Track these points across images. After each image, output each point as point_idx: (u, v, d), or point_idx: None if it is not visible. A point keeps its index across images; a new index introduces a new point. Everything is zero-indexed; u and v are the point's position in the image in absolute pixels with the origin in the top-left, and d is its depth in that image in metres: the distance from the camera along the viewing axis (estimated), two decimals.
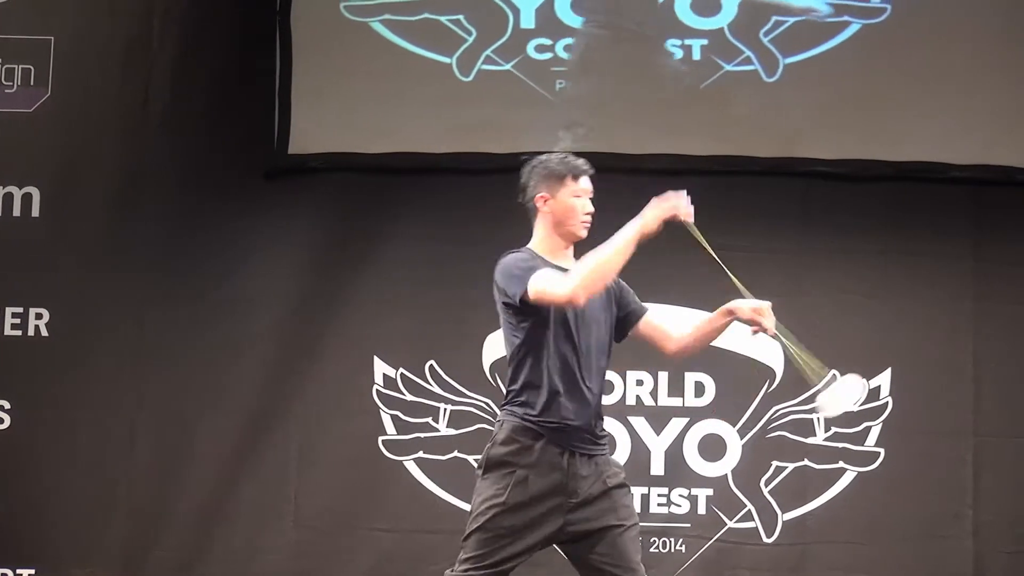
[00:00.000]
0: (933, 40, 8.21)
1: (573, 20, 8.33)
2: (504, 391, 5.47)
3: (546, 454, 5.27)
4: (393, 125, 8.30)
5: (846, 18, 8.24)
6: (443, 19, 8.37)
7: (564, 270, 5.31)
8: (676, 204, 5.34)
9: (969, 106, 8.14)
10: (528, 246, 5.48)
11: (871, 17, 8.23)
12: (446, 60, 8.36)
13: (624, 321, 5.56)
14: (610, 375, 8.06)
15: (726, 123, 8.21)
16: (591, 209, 5.47)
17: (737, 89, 8.26)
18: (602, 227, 8.06)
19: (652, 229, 5.27)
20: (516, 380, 5.40)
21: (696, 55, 8.29)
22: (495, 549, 5.34)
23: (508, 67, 8.33)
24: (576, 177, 5.45)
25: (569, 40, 8.30)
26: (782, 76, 8.25)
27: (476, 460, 8.03)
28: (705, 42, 8.28)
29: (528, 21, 8.35)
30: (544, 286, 5.17)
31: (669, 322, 5.68)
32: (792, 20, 8.25)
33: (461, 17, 8.36)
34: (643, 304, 5.62)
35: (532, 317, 5.30)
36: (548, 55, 8.33)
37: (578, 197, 5.44)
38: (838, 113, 8.19)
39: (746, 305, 5.54)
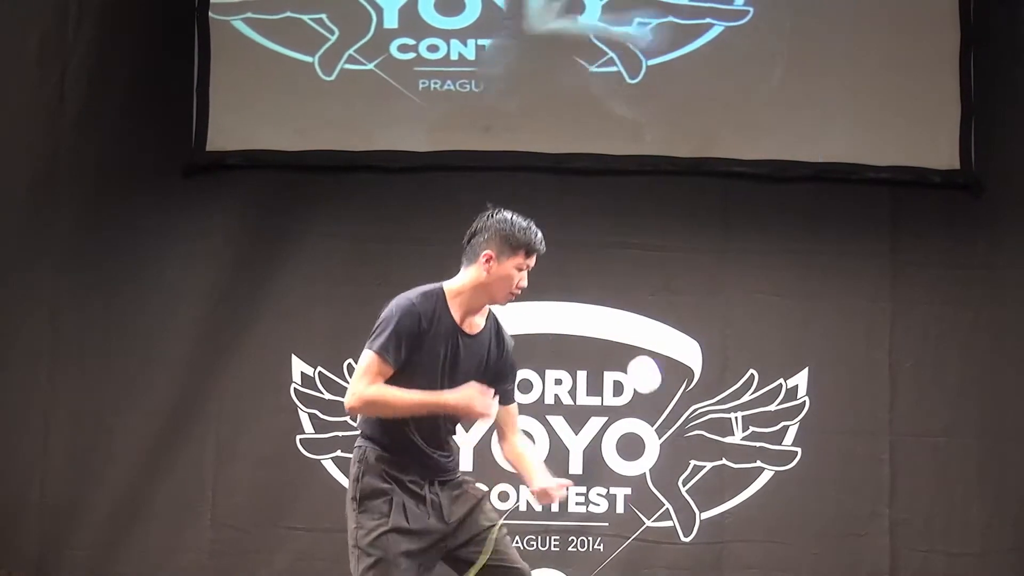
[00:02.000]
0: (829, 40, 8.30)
1: (436, 20, 8.33)
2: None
3: (414, 479, 5.41)
4: (308, 123, 8.29)
5: (708, 20, 8.29)
6: (306, 18, 8.35)
7: (466, 335, 5.43)
8: (474, 404, 5.34)
9: (885, 109, 8.21)
10: (445, 285, 5.49)
11: (734, 19, 8.29)
12: (308, 59, 8.35)
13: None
14: (528, 374, 8.11)
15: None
16: (525, 284, 5.46)
17: (600, 90, 8.29)
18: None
19: (447, 410, 5.36)
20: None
21: None
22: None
23: (371, 67, 8.31)
24: (529, 254, 5.43)
25: (433, 40, 8.30)
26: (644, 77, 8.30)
27: None
28: None
29: (391, 21, 8.34)
30: (358, 371, 5.40)
31: (514, 426, 5.80)
32: (655, 21, 8.28)
33: (324, 16, 8.34)
34: (512, 394, 5.72)
35: None
36: (411, 55, 8.32)
37: (519, 270, 5.43)
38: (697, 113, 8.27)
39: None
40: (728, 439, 8.17)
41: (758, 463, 8.15)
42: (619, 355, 8.18)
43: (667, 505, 8.10)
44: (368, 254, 8.26)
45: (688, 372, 8.16)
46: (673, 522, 8.10)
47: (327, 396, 8.19)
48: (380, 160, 8.30)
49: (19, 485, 8.16)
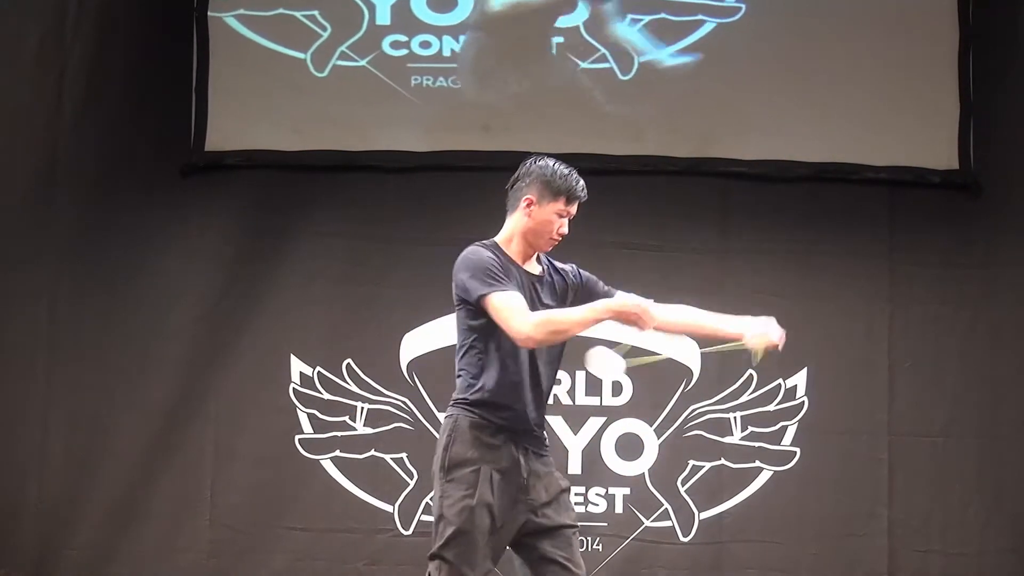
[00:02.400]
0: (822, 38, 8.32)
1: (429, 17, 8.33)
2: (456, 386, 5.36)
3: (507, 451, 5.25)
4: (304, 121, 8.31)
5: (700, 16, 8.31)
6: (298, 14, 8.34)
7: (531, 274, 5.33)
8: (644, 317, 5.18)
9: (883, 109, 8.22)
10: (496, 239, 5.39)
11: (726, 16, 8.30)
12: (300, 55, 8.34)
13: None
14: None
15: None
16: (565, 231, 5.37)
17: (592, 86, 8.30)
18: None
19: (615, 317, 5.20)
20: (467, 376, 5.31)
21: (553, 52, 8.32)
22: (472, 549, 5.21)
23: (363, 63, 8.32)
24: (570, 200, 5.35)
25: (425, 36, 8.31)
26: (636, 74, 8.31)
27: (393, 459, 8.13)
28: (561, 40, 8.32)
29: (384, 17, 8.34)
30: (506, 312, 5.14)
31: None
32: (648, 18, 8.30)
33: (316, 13, 8.34)
34: (611, 291, 5.48)
35: (486, 317, 5.23)
36: (403, 51, 8.32)
37: (560, 216, 5.35)
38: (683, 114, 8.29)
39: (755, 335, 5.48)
40: (727, 439, 8.17)
41: (757, 463, 8.16)
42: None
43: (666, 505, 8.11)
44: (366, 254, 8.27)
45: (687, 372, 8.16)
46: (672, 522, 8.10)
47: (326, 396, 8.19)
48: (378, 160, 8.30)
49: (17, 485, 8.15)
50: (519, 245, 5.37)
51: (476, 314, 5.25)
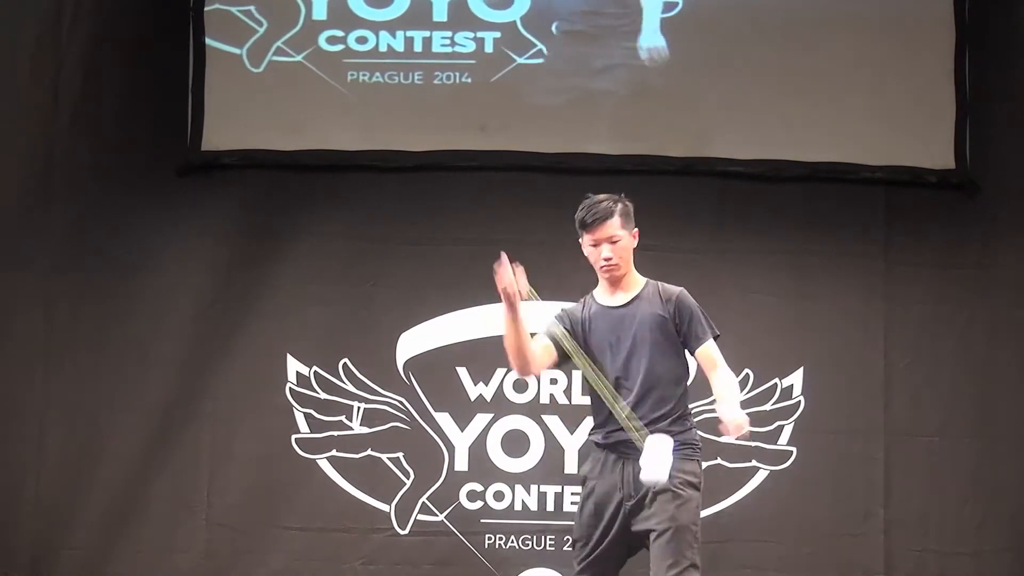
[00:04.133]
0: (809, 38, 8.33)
1: (365, 12, 8.35)
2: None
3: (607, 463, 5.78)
4: (301, 123, 8.31)
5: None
6: (234, 10, 8.36)
7: (616, 308, 5.82)
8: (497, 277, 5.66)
9: (880, 108, 8.22)
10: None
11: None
12: (236, 51, 8.36)
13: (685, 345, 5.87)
14: None
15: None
16: (609, 255, 5.75)
17: (528, 81, 8.31)
18: (527, 223, 8.20)
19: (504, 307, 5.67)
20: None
21: (488, 48, 8.33)
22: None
23: (299, 59, 8.33)
24: (584, 229, 5.82)
25: (362, 32, 8.33)
26: None
27: (389, 459, 8.14)
28: (498, 35, 8.33)
29: (320, 13, 8.36)
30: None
31: (710, 367, 5.88)
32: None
33: (252, 8, 8.35)
34: (701, 338, 5.82)
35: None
36: (340, 47, 8.33)
37: (594, 247, 5.80)
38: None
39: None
40: (723, 438, 8.10)
41: (753, 463, 8.17)
42: None
43: None
44: (363, 253, 8.27)
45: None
46: None
47: (322, 396, 8.20)
48: (374, 160, 8.31)
49: (14, 485, 8.15)
50: (600, 282, 5.89)
51: None
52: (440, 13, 8.37)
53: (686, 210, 8.28)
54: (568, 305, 5.96)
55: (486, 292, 8.12)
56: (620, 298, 5.84)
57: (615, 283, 5.85)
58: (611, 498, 5.74)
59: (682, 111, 8.27)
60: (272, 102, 8.33)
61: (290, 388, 8.21)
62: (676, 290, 5.87)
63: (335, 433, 8.19)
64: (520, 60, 8.31)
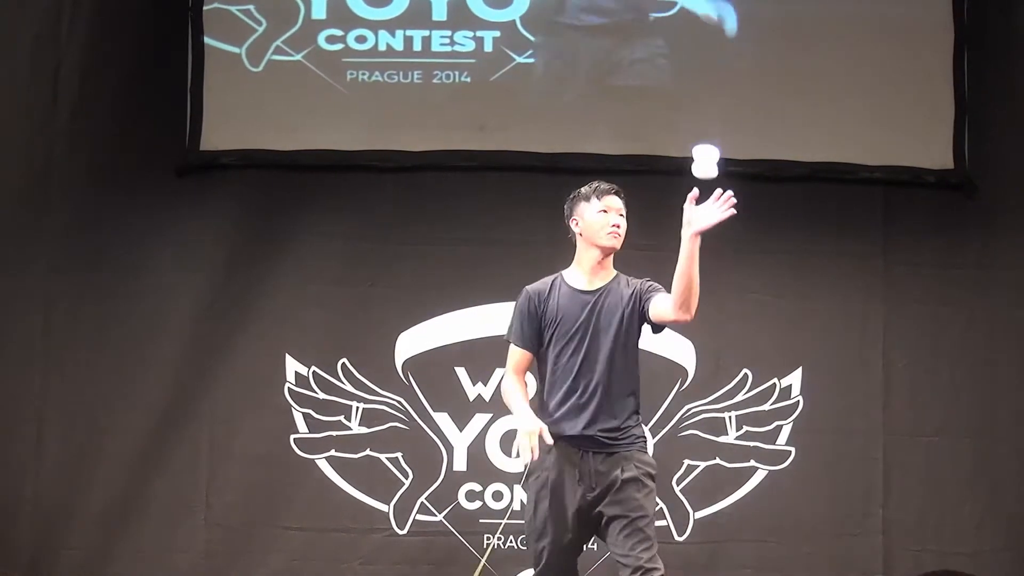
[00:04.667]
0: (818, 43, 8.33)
1: (365, 11, 8.36)
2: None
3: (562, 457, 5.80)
4: (300, 122, 8.31)
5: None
6: (233, 9, 8.36)
7: (588, 292, 5.89)
8: (521, 449, 5.73)
9: (878, 109, 8.23)
10: (564, 270, 6.01)
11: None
12: (235, 50, 8.36)
13: (643, 317, 5.89)
14: None
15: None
16: (617, 222, 5.87)
17: (527, 81, 8.32)
18: (526, 223, 8.20)
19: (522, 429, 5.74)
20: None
21: (488, 47, 8.34)
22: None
23: (298, 58, 8.33)
24: (600, 196, 5.93)
25: (361, 31, 8.33)
26: None
27: (388, 459, 8.14)
28: (497, 34, 8.34)
29: (320, 12, 8.37)
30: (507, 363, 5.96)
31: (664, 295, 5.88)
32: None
33: (251, 7, 8.35)
34: (656, 289, 5.92)
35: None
36: (339, 46, 8.34)
37: (603, 212, 5.91)
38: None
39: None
40: (722, 439, 8.18)
41: (752, 463, 8.17)
42: None
43: (661, 504, 8.08)
44: (361, 254, 8.27)
45: (682, 372, 8.17)
46: (667, 521, 8.10)
47: (321, 396, 8.20)
48: (374, 160, 8.31)
49: (12, 485, 8.15)
50: (578, 265, 5.98)
51: None
52: (439, 12, 8.38)
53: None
54: (534, 285, 5.98)
55: (485, 292, 8.21)
56: (594, 283, 5.92)
57: (601, 263, 5.92)
58: (569, 488, 5.77)
59: (681, 111, 8.27)
60: (271, 101, 8.33)
61: (289, 388, 8.21)
62: (643, 280, 5.97)
63: (334, 433, 8.19)
64: (519, 59, 8.32)
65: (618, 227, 5.90)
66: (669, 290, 5.77)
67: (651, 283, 5.93)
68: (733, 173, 8.16)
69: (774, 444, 8.16)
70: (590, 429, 5.77)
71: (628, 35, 8.34)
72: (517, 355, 5.94)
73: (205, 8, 8.34)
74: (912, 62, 8.24)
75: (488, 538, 8.10)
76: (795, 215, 8.30)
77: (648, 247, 8.09)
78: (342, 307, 8.25)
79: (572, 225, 5.98)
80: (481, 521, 8.13)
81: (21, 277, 8.24)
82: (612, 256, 5.95)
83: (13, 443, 8.17)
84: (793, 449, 8.17)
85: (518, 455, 5.72)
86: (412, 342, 8.22)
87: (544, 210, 8.20)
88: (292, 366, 8.22)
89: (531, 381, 5.96)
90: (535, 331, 5.89)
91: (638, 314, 5.86)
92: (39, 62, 8.32)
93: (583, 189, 5.98)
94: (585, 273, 5.94)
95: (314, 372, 8.21)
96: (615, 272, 5.97)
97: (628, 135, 8.25)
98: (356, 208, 8.28)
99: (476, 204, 8.30)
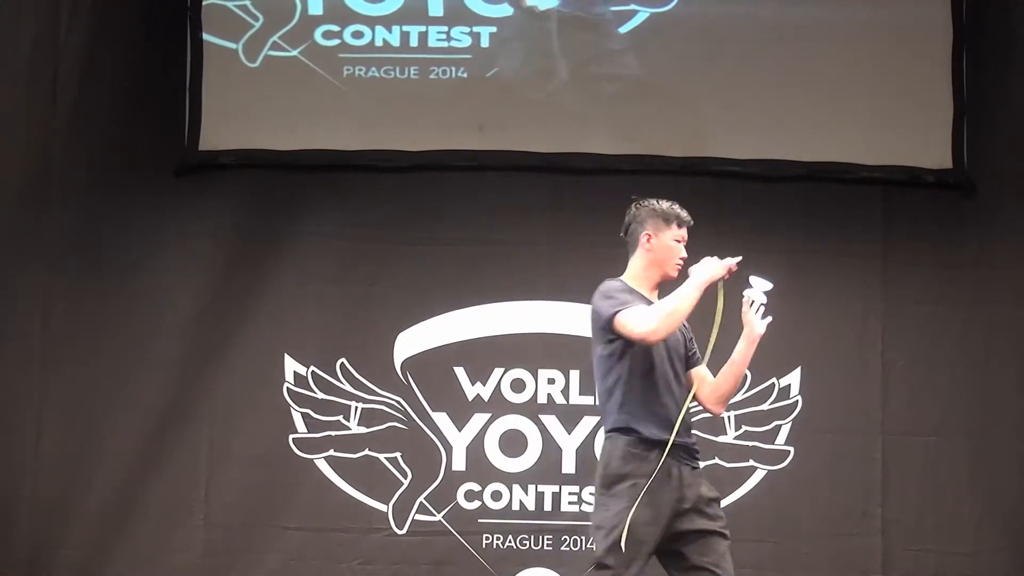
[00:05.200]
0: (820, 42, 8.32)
1: (361, 7, 8.37)
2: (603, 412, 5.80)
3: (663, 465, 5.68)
4: (297, 119, 8.32)
5: (632, 6, 8.35)
6: (230, 4, 8.36)
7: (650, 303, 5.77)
8: (717, 267, 5.76)
9: (877, 108, 8.23)
10: (622, 277, 5.88)
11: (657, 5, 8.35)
12: (232, 46, 8.36)
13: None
14: (521, 373, 8.13)
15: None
16: (685, 255, 5.83)
17: (523, 77, 8.33)
18: (525, 223, 8.20)
19: (714, 279, 5.73)
20: (614, 401, 5.74)
21: (484, 43, 8.35)
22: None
23: (295, 53, 8.33)
24: (680, 225, 5.88)
25: (358, 27, 8.34)
26: None
27: (387, 458, 8.14)
28: (494, 29, 8.35)
29: (316, 7, 8.37)
30: (628, 321, 5.61)
31: (707, 378, 5.96)
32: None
33: (247, 3, 8.36)
34: (696, 359, 5.95)
35: (621, 340, 5.69)
36: (336, 42, 8.34)
37: (677, 242, 5.87)
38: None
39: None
40: (720, 438, 8.18)
41: (751, 462, 8.17)
42: None
43: None
44: (360, 253, 8.27)
45: None
46: None
47: (320, 395, 8.20)
48: (372, 160, 8.30)
49: (11, 485, 8.14)
50: (643, 278, 5.87)
51: (611, 338, 5.70)
52: (436, 8, 8.38)
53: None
54: (616, 285, 5.81)
55: (484, 292, 8.22)
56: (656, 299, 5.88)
57: (663, 281, 5.89)
58: (666, 501, 5.68)
59: (680, 111, 8.27)
60: (267, 97, 8.33)
61: (288, 388, 8.21)
62: None
63: (333, 433, 8.19)
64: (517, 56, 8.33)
65: (683, 260, 5.86)
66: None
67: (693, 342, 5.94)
68: (732, 173, 8.27)
69: (773, 444, 8.16)
70: (681, 439, 5.74)
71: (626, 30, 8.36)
72: (644, 309, 5.67)
73: (204, 3, 8.33)
74: (911, 62, 8.24)
75: (487, 538, 8.11)
76: (794, 215, 8.29)
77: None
78: (341, 307, 8.25)
79: (642, 236, 5.87)
80: (480, 521, 8.13)
81: (19, 277, 8.23)
82: None
83: (12, 443, 8.17)
84: (792, 449, 8.17)
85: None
86: (411, 342, 8.22)
87: (543, 210, 8.25)
88: (291, 366, 8.22)
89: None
90: None
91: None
92: (38, 62, 8.32)
93: (663, 206, 5.87)
94: (647, 289, 5.86)
95: (313, 372, 8.21)
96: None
97: (627, 135, 8.24)
98: (355, 208, 8.28)
99: (475, 204, 8.30)
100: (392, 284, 8.27)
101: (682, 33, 8.31)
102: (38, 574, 8.09)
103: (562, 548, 8.10)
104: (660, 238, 5.84)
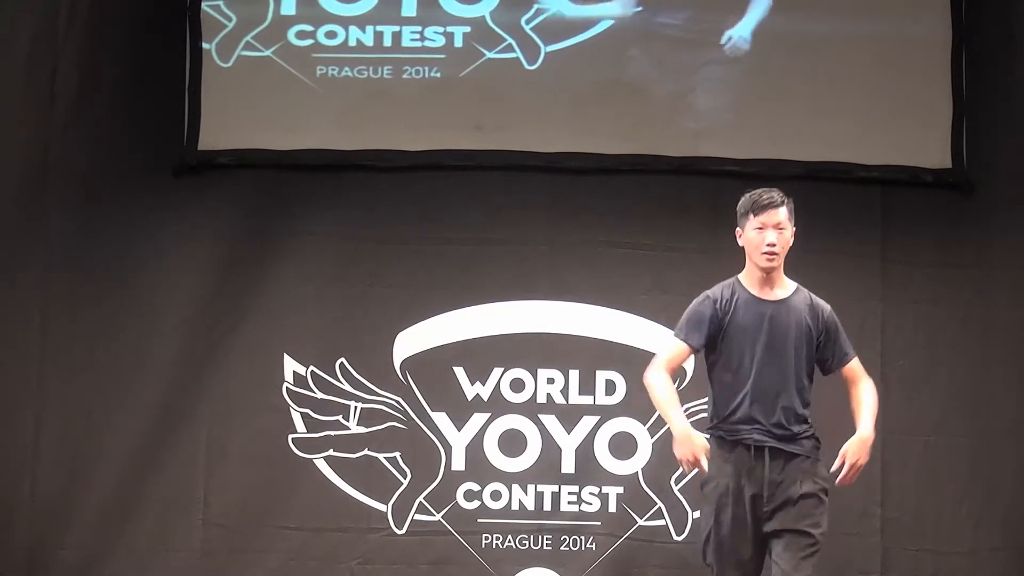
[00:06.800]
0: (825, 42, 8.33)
1: (334, 7, 8.37)
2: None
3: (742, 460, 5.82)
4: (299, 121, 8.31)
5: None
6: (204, 5, 8.37)
7: (767, 302, 5.90)
8: (685, 464, 5.82)
9: (876, 108, 8.23)
10: (739, 275, 5.99)
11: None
12: (205, 46, 8.38)
13: (820, 363, 6.05)
14: (520, 373, 8.13)
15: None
16: (773, 240, 5.84)
17: (498, 76, 8.33)
18: (524, 223, 8.20)
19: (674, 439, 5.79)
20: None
21: (458, 42, 8.35)
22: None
23: (268, 53, 8.33)
24: (756, 212, 5.88)
25: (331, 27, 8.35)
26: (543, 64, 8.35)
27: (386, 458, 8.13)
28: (467, 29, 8.34)
29: (289, 8, 8.38)
30: (658, 352, 6.04)
31: (855, 379, 6.13)
32: (555, 8, 8.36)
33: (220, 3, 8.36)
34: (849, 354, 6.10)
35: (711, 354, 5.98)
36: (309, 41, 8.34)
37: (759, 230, 5.88)
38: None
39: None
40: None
41: None
42: (611, 354, 8.19)
43: (659, 504, 8.11)
44: (360, 253, 8.27)
45: (680, 371, 8.13)
46: (665, 521, 8.11)
47: (319, 395, 8.19)
48: (371, 160, 8.30)
49: (9, 485, 8.13)
50: (751, 274, 5.94)
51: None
52: (409, 8, 8.39)
53: (682, 209, 8.28)
54: (714, 290, 5.97)
55: (483, 292, 8.22)
56: (772, 294, 5.93)
57: (768, 276, 5.90)
58: (745, 496, 5.76)
59: (678, 111, 8.27)
60: (239, 97, 8.33)
61: (287, 388, 8.21)
62: (827, 306, 6.04)
63: (332, 433, 8.19)
64: (489, 55, 8.32)
65: (773, 246, 5.84)
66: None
67: (834, 326, 6.03)
68: (732, 173, 8.26)
69: None
70: (769, 435, 5.79)
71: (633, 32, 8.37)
72: (679, 351, 5.93)
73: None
74: (910, 62, 8.25)
75: (487, 538, 8.11)
76: (794, 214, 8.28)
77: (648, 247, 8.14)
78: (340, 307, 8.25)
79: (737, 237, 5.97)
80: (479, 521, 8.13)
81: (18, 277, 8.22)
82: (781, 268, 5.98)
83: (10, 442, 8.15)
84: None
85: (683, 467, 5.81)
86: (410, 342, 8.22)
87: (542, 210, 8.25)
88: (290, 366, 8.22)
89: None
90: (714, 332, 5.87)
91: (817, 354, 5.99)
92: (36, 62, 8.31)
93: (743, 200, 5.94)
94: (755, 286, 5.92)
95: (312, 372, 8.21)
96: (794, 284, 6.02)
97: (627, 135, 8.24)
98: (354, 208, 8.28)
99: (474, 204, 8.30)
100: (391, 284, 8.27)
101: (682, 36, 8.32)
102: (37, 574, 8.08)
103: (561, 548, 8.10)
104: (744, 232, 5.91)
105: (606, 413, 8.20)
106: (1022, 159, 8.26)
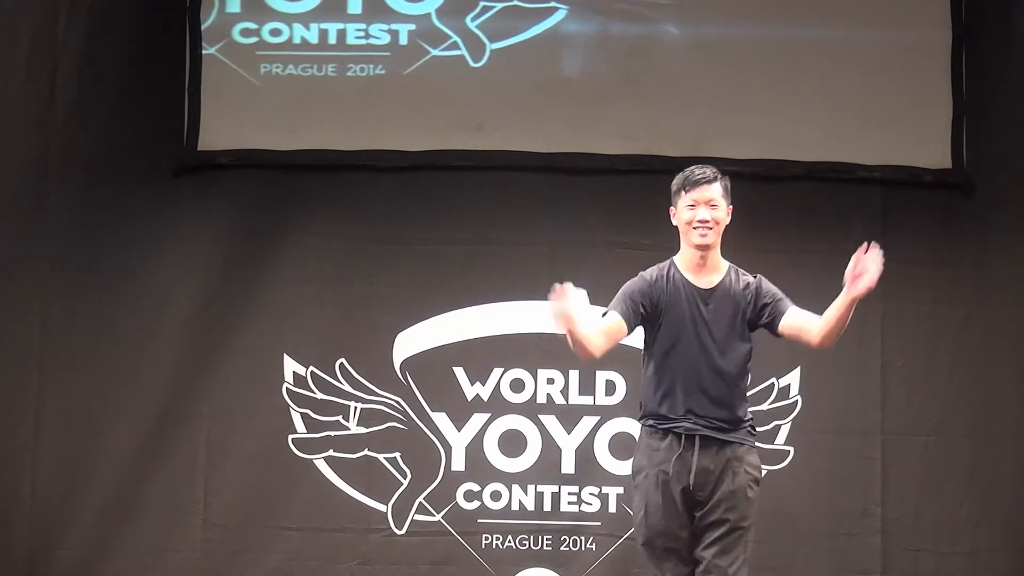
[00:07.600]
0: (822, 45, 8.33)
1: (279, 4, 8.39)
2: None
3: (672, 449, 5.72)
4: (299, 122, 8.31)
5: (552, 3, 8.37)
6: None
7: (702, 290, 5.79)
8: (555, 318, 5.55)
9: (876, 108, 8.23)
10: (674, 257, 5.88)
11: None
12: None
13: (757, 322, 5.87)
14: (521, 373, 8.13)
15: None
16: (705, 217, 5.73)
17: (441, 74, 8.33)
18: (524, 223, 8.20)
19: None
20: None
21: (403, 40, 8.35)
22: None
23: (212, 51, 8.34)
24: (688, 188, 5.76)
25: (275, 24, 8.36)
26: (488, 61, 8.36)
27: (386, 459, 8.13)
28: (413, 27, 8.36)
29: (234, 5, 8.40)
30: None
31: (806, 322, 5.86)
32: (500, 6, 8.35)
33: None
34: (783, 304, 5.89)
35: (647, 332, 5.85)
36: (253, 39, 8.35)
37: (691, 207, 5.76)
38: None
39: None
40: None
41: None
42: (611, 354, 8.16)
43: None
44: (359, 253, 8.28)
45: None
46: None
47: (319, 396, 8.19)
48: (371, 160, 8.30)
49: (9, 485, 8.14)
50: (685, 255, 5.84)
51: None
52: (355, 6, 8.41)
53: None
54: (649, 271, 5.88)
55: (483, 292, 8.21)
56: (706, 280, 5.82)
57: (703, 258, 5.80)
58: (678, 486, 5.68)
59: (679, 111, 8.27)
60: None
61: (287, 388, 8.21)
62: (754, 279, 5.91)
63: (332, 433, 8.19)
64: (435, 52, 8.32)
65: (706, 222, 5.74)
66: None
67: (772, 290, 5.87)
68: (731, 172, 8.24)
69: (772, 444, 8.15)
70: (699, 421, 5.71)
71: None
72: (606, 324, 5.73)
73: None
74: (910, 62, 8.25)
75: (486, 538, 8.11)
76: (793, 215, 8.30)
77: (648, 247, 8.12)
78: (340, 307, 8.25)
79: (672, 216, 5.85)
80: (479, 521, 8.13)
81: (18, 277, 8.22)
82: (717, 249, 5.85)
83: (9, 443, 8.16)
84: (791, 448, 8.17)
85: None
86: (410, 342, 8.22)
87: (542, 210, 8.25)
88: (290, 366, 8.22)
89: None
90: (648, 312, 5.76)
91: (753, 319, 5.82)
92: (36, 62, 8.31)
93: (676, 178, 5.82)
94: (690, 270, 5.82)
95: (312, 372, 8.21)
96: (726, 264, 5.90)
97: (628, 135, 8.24)
98: (354, 208, 8.28)
99: (474, 204, 8.30)
100: (391, 284, 8.27)
101: (681, 33, 8.31)
102: (37, 574, 8.08)
103: (561, 548, 8.10)
104: (677, 211, 5.80)
105: (606, 413, 8.20)
106: (1022, 159, 8.26)
